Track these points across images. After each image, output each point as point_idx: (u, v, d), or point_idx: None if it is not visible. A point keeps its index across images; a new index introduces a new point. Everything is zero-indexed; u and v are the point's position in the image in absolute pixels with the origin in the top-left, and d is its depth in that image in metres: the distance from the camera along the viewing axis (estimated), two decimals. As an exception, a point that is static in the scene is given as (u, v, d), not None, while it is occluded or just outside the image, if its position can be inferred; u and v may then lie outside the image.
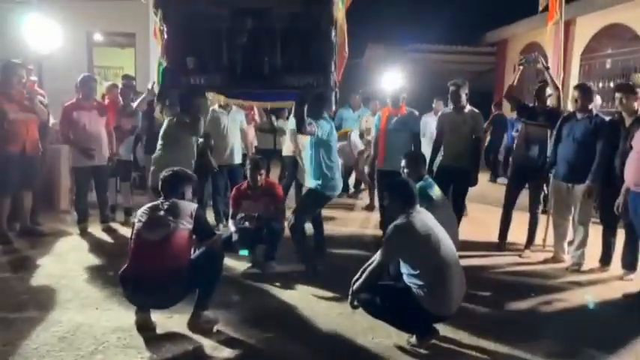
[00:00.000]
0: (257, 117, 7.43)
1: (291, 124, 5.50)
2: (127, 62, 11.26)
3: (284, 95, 5.06)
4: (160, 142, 5.27)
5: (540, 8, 6.85)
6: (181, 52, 4.83)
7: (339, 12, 4.94)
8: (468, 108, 5.57)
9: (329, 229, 6.20)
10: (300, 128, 4.47)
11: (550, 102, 5.51)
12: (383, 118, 5.82)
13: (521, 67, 5.70)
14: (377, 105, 8.21)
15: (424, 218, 3.35)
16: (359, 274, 3.42)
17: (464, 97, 5.51)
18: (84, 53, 10.14)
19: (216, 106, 6.11)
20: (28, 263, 4.86)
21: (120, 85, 7.08)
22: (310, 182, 4.78)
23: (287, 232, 4.82)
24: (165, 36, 4.89)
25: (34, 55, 6.73)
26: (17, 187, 5.52)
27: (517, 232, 5.77)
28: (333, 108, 5.00)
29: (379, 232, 5.97)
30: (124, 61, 11.70)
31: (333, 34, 4.89)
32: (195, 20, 4.82)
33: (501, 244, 5.71)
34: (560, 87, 5.63)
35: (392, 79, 7.78)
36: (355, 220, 7.16)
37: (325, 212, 7.08)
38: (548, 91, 5.52)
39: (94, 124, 5.87)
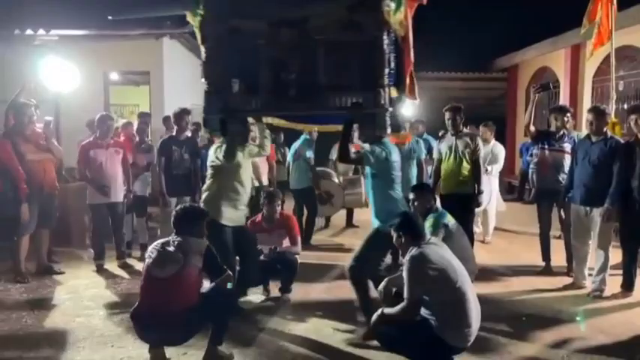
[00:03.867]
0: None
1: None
2: (142, 99, 11.51)
3: (333, 117, 4.40)
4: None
5: (583, 30, 6.89)
6: (221, 74, 4.47)
7: (397, 15, 4.23)
8: (465, 132, 5.61)
9: (338, 257, 6.19)
10: (342, 155, 4.00)
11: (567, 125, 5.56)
12: None
13: (536, 96, 5.68)
14: (419, 129, 7.71)
15: (438, 249, 3.30)
16: (379, 311, 3.35)
17: (459, 121, 5.53)
18: (101, 92, 10.37)
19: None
20: (44, 301, 4.88)
21: (136, 123, 7.22)
22: (373, 221, 4.13)
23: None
24: (204, 56, 4.52)
25: (52, 95, 6.90)
26: (35, 226, 5.59)
27: (533, 256, 5.68)
28: (388, 130, 4.23)
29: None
30: (140, 99, 11.97)
31: (386, 42, 4.27)
32: (231, 37, 4.42)
33: (548, 267, 5.69)
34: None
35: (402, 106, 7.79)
36: None
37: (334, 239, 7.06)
38: (565, 118, 5.53)
39: (110, 162, 5.96)
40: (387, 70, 4.17)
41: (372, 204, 4.10)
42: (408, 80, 4.34)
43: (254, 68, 4.38)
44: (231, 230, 4.40)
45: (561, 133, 5.50)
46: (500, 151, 7.51)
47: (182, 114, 6.08)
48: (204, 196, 4.48)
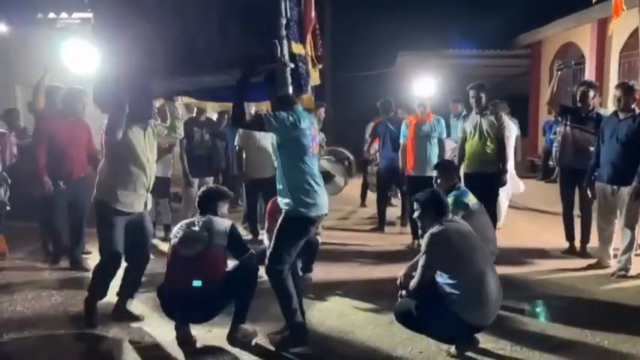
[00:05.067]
0: None
1: None
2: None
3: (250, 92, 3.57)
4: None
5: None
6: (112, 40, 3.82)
7: None
8: (490, 109, 5.54)
9: (361, 244, 6.21)
10: (235, 118, 3.44)
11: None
12: (411, 126, 5.93)
13: (559, 73, 5.57)
14: (458, 108, 7.81)
15: (459, 227, 3.30)
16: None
17: (484, 100, 5.46)
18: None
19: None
20: (72, 281, 5.00)
21: (157, 104, 7.25)
22: (280, 202, 3.53)
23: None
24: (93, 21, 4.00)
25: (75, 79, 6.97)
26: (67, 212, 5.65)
27: (556, 236, 5.62)
28: (289, 89, 3.42)
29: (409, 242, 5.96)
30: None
31: None
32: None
33: (572, 247, 5.62)
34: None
35: (424, 86, 7.72)
36: (386, 233, 6.90)
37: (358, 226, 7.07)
38: (592, 93, 5.41)
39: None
40: (282, 20, 3.41)
41: (279, 181, 3.48)
42: (310, 39, 3.75)
43: (145, 34, 3.67)
44: (125, 217, 3.90)
45: (589, 112, 5.38)
46: (512, 128, 7.35)
47: None
48: (98, 178, 3.99)
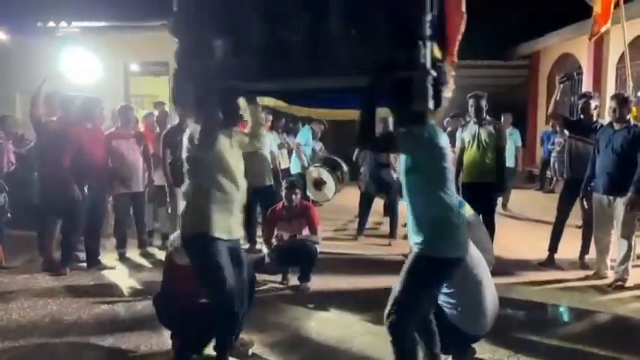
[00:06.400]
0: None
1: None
2: (162, 90, 11.60)
3: (349, 99, 3.21)
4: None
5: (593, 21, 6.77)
6: (197, 28, 3.15)
7: None
8: (489, 119, 5.55)
9: (358, 253, 6.19)
10: (362, 137, 2.80)
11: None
12: None
13: (561, 85, 5.59)
14: (460, 121, 7.59)
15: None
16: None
17: (485, 110, 5.48)
18: (121, 83, 10.49)
19: (245, 129, 6.22)
20: (69, 289, 4.97)
21: (155, 113, 7.29)
22: (411, 240, 2.88)
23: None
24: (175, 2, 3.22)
25: (74, 87, 7.01)
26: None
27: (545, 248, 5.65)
28: (430, 104, 2.77)
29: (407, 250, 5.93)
30: (159, 89, 12.06)
31: None
32: None
33: (551, 258, 5.60)
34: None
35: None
36: (384, 244, 6.80)
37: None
38: (593, 103, 5.44)
39: (131, 152, 6.04)
40: (428, 17, 2.75)
41: (410, 213, 2.86)
42: (453, 41, 3.05)
43: (243, 19, 3.03)
44: (227, 246, 3.22)
45: (592, 124, 5.39)
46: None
47: None
48: (183, 204, 3.34)
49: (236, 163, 3.31)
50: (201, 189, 3.20)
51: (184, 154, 3.29)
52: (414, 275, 2.78)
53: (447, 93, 3.00)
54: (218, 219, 3.16)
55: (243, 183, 3.33)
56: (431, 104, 2.77)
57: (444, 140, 2.81)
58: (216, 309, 3.13)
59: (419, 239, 2.78)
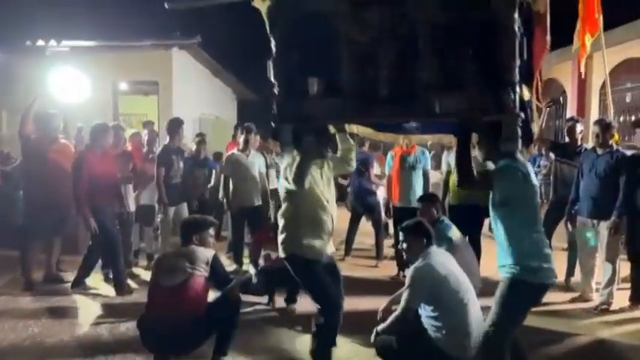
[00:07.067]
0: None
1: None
2: (151, 109, 11.63)
3: (433, 125, 3.62)
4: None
5: (575, 46, 6.91)
6: (294, 72, 3.40)
7: None
8: (473, 143, 5.60)
9: (346, 275, 6.16)
10: (463, 179, 3.08)
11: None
12: (396, 157, 6.03)
13: (547, 109, 5.71)
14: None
15: (443, 260, 3.32)
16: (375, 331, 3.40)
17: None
18: (110, 102, 10.49)
19: (235, 150, 6.26)
20: (51, 310, 4.89)
21: (143, 132, 7.29)
22: (502, 269, 3.00)
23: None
24: (274, 49, 3.48)
25: (62, 106, 6.99)
26: (49, 234, 5.62)
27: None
28: (519, 145, 2.98)
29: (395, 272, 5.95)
30: (148, 109, 12.08)
31: (518, 21, 2.93)
32: (307, 24, 3.32)
33: None
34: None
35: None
36: (371, 265, 6.81)
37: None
38: (579, 128, 5.56)
39: (119, 171, 6.00)
40: (517, 62, 2.90)
41: (502, 246, 2.98)
42: (537, 75, 3.21)
43: (336, 63, 3.29)
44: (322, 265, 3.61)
45: (577, 148, 5.49)
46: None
47: (180, 122, 6.26)
48: (281, 226, 3.65)
49: (324, 189, 3.63)
50: (296, 217, 3.57)
51: (282, 184, 3.71)
52: (509, 301, 2.94)
53: (535, 128, 3.21)
54: (309, 243, 3.53)
55: (333, 210, 3.65)
56: (520, 144, 2.97)
57: (534, 177, 3.00)
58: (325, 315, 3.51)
59: (509, 270, 2.92)
